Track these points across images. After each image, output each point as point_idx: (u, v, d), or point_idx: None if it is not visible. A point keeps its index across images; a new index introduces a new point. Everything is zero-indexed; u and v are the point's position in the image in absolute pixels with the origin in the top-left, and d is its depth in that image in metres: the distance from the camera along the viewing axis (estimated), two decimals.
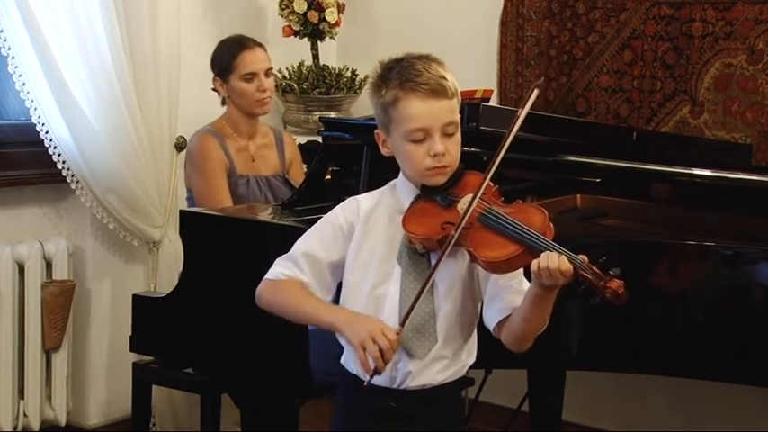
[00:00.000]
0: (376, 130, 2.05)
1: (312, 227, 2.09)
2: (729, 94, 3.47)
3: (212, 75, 3.49)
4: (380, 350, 1.87)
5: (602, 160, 2.96)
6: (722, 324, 2.49)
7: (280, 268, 2.06)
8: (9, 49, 3.28)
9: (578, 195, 3.10)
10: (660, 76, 3.60)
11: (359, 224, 2.03)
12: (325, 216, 2.08)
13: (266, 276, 2.07)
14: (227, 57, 3.44)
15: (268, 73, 3.48)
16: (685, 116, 3.56)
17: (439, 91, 1.95)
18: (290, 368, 2.68)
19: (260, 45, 3.51)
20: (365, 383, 1.92)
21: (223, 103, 3.54)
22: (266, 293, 2.06)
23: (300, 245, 2.06)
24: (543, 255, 1.86)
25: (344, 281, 2.04)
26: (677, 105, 3.58)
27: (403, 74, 1.96)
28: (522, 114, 1.97)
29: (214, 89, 3.53)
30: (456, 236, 1.92)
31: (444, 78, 1.97)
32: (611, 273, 1.85)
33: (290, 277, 2.04)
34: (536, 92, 1.98)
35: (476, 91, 3.09)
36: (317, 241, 2.05)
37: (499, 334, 2.00)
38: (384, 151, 2.05)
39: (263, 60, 3.47)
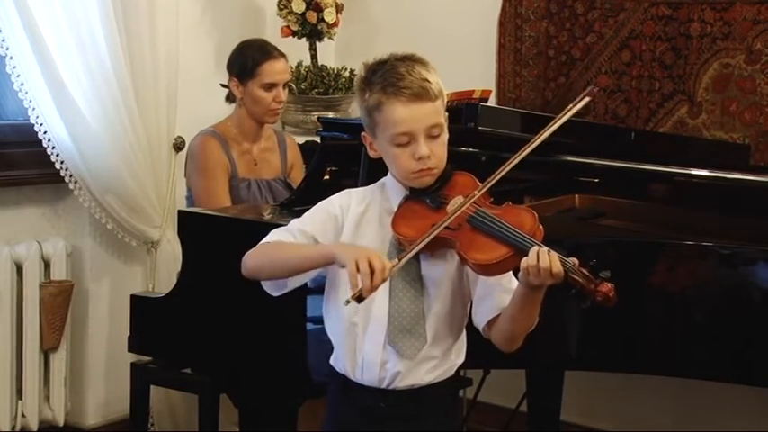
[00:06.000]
0: (363, 133, 2.05)
1: (308, 210, 2.08)
2: (728, 95, 3.47)
3: (229, 75, 3.46)
4: (371, 270, 1.84)
5: (600, 160, 2.95)
6: (721, 324, 2.49)
7: (275, 236, 2.04)
8: (7, 49, 3.27)
9: (576, 195, 3.09)
10: (658, 76, 3.60)
11: (348, 222, 2.03)
12: (320, 202, 2.08)
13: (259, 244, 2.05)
14: (252, 62, 3.42)
15: (286, 84, 3.48)
16: (683, 116, 3.56)
17: (422, 94, 1.94)
18: (289, 368, 2.68)
19: (283, 55, 3.50)
20: (346, 302, 1.87)
21: (227, 99, 3.53)
22: (252, 255, 2.02)
23: (297, 222, 2.05)
24: (532, 251, 1.85)
25: (335, 281, 2.02)
26: (675, 105, 3.58)
27: (385, 78, 1.96)
28: (563, 119, 1.98)
29: (225, 86, 3.52)
30: (440, 228, 1.91)
31: (427, 81, 1.96)
32: (601, 275, 1.85)
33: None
34: (586, 99, 1.97)
35: (474, 91, 3.08)
36: (312, 223, 2.04)
37: (488, 333, 2.00)
38: (371, 153, 2.04)
39: (284, 71, 3.47)
